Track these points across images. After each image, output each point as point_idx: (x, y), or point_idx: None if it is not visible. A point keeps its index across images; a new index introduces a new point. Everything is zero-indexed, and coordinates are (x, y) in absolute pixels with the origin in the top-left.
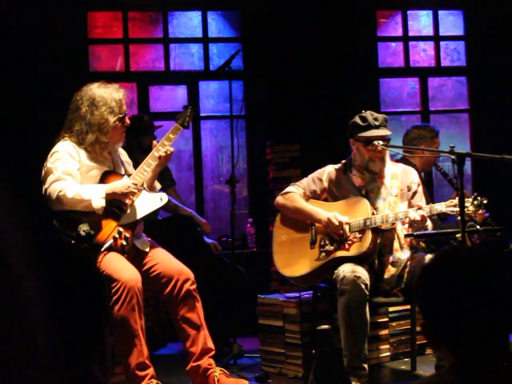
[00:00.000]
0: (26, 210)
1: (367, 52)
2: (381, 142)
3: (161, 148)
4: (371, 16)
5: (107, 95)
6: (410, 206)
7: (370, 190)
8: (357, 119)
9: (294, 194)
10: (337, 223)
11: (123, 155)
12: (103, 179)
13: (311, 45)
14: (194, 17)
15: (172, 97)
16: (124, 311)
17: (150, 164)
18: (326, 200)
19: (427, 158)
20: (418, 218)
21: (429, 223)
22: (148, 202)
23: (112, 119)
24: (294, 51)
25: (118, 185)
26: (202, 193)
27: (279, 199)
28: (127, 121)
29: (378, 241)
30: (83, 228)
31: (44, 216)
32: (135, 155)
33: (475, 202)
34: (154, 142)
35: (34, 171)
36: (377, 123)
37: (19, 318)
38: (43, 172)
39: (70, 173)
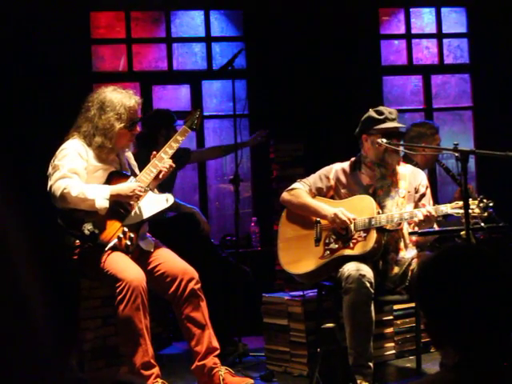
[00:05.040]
0: (29, 208)
1: (370, 50)
2: (384, 140)
3: (168, 150)
4: (374, 14)
5: (117, 101)
6: (416, 207)
7: (379, 188)
8: (372, 113)
9: (300, 191)
10: (344, 218)
11: (130, 158)
12: (109, 180)
13: (314, 43)
14: (197, 16)
15: (175, 96)
16: (129, 311)
17: (156, 165)
18: (332, 198)
19: (429, 155)
20: (426, 214)
21: (434, 225)
22: (154, 203)
23: (118, 125)
24: (297, 50)
25: (123, 187)
26: (206, 192)
27: (285, 195)
28: (137, 129)
29: (383, 240)
30: (88, 227)
31: (47, 214)
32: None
33: (481, 205)
34: (154, 153)
35: (35, 170)
36: (393, 116)
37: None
38: (50, 168)
39: (77, 171)
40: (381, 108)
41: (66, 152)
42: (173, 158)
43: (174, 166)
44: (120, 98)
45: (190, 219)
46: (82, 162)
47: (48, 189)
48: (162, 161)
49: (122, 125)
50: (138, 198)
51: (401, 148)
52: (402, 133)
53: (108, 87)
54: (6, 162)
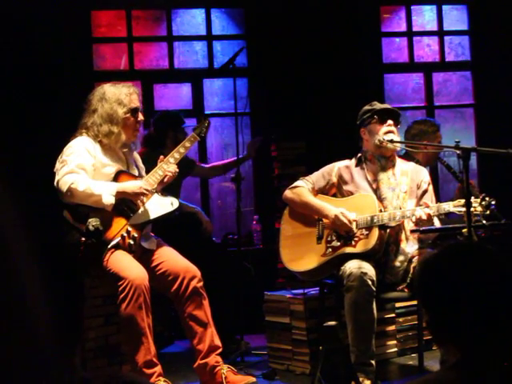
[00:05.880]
0: (32, 207)
1: (371, 48)
2: (386, 138)
3: (176, 155)
4: (375, 11)
5: (117, 90)
6: (419, 204)
7: (380, 180)
8: (365, 107)
9: (303, 189)
10: (344, 221)
11: (138, 160)
12: (116, 178)
13: (315, 41)
14: (198, 14)
15: (176, 95)
16: (131, 309)
17: (162, 169)
18: (334, 195)
19: (431, 153)
20: (424, 218)
21: (436, 222)
22: (159, 206)
23: (121, 110)
24: (298, 48)
25: (130, 185)
26: (208, 190)
27: (287, 193)
28: (140, 116)
29: (385, 238)
30: (92, 223)
31: (50, 213)
32: (170, 149)
33: (483, 203)
34: (162, 157)
35: (37, 169)
36: (385, 105)
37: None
38: (57, 163)
39: (84, 167)
40: (374, 102)
41: (74, 148)
42: (179, 164)
43: (177, 171)
44: (119, 88)
45: (192, 219)
46: (89, 159)
47: (55, 183)
48: (168, 165)
49: (125, 109)
50: (143, 195)
51: (401, 145)
52: (397, 113)
53: (106, 84)
54: (7, 162)
